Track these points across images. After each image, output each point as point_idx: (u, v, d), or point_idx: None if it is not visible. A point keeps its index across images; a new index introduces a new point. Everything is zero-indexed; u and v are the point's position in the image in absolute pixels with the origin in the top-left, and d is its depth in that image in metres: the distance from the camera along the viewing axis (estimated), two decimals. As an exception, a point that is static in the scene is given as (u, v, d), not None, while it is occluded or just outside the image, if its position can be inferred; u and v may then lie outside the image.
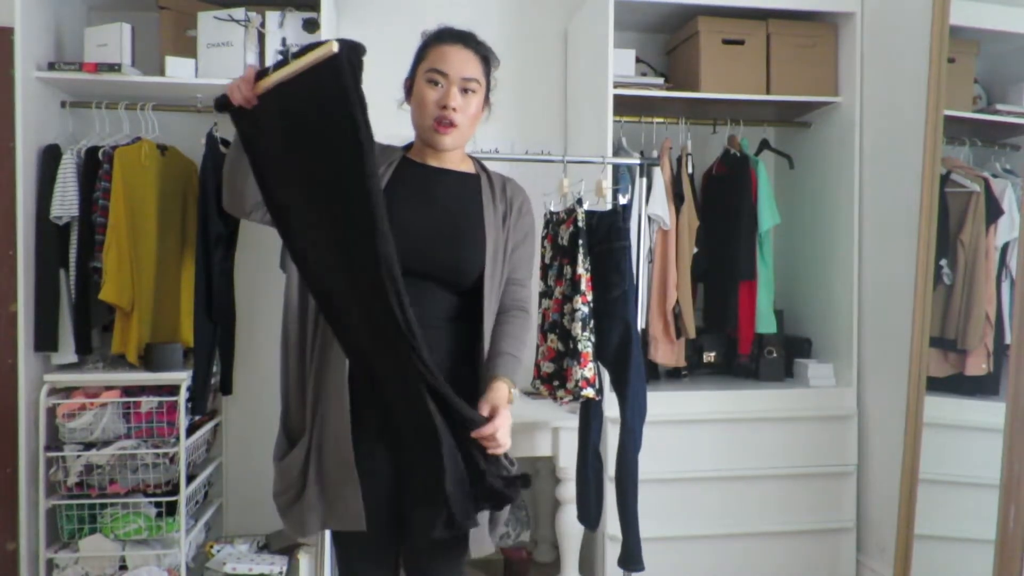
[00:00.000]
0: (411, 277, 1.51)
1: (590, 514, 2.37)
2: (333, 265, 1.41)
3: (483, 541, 1.59)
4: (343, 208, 1.34)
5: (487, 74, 1.62)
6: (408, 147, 1.67)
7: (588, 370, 2.19)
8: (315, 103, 1.31)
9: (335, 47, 1.24)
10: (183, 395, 2.47)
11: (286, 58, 1.32)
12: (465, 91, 1.57)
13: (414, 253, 1.52)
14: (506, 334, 1.63)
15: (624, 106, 2.82)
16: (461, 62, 1.56)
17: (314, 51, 1.26)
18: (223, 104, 1.42)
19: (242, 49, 2.62)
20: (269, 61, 2.67)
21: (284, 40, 1.37)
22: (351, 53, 1.26)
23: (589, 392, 2.19)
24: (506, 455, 1.59)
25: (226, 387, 2.83)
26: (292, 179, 1.40)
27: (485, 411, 1.47)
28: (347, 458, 1.51)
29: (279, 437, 1.60)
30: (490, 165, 1.74)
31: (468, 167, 1.68)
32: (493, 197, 1.64)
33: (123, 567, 2.52)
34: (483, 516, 1.57)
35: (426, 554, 1.59)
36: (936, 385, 2.47)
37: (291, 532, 1.60)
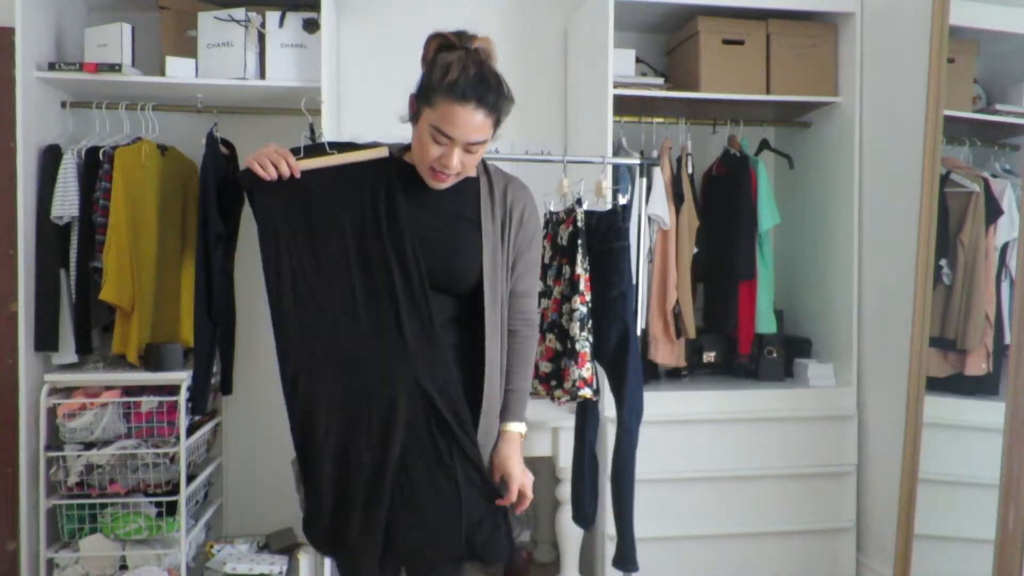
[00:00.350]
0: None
1: (585, 514, 2.37)
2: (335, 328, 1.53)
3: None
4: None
5: (497, 123, 1.53)
6: (405, 148, 1.64)
7: (586, 370, 2.19)
8: (348, 190, 1.51)
9: (386, 151, 1.49)
10: (183, 395, 2.47)
11: (316, 143, 1.52)
12: (469, 150, 1.50)
13: (409, 259, 1.52)
14: (513, 363, 1.65)
15: (624, 106, 2.82)
16: (470, 128, 1.46)
17: (368, 151, 1.51)
18: (247, 177, 1.53)
19: (242, 49, 2.63)
20: (269, 60, 2.67)
21: (312, 127, 1.50)
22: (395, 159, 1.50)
23: (586, 392, 2.18)
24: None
25: (226, 387, 2.83)
26: (305, 252, 1.53)
27: (515, 489, 1.61)
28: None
29: None
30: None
31: None
32: (492, 201, 1.61)
33: (123, 567, 2.52)
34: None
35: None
36: (936, 385, 2.47)
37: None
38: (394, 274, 1.51)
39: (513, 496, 1.60)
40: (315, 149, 1.53)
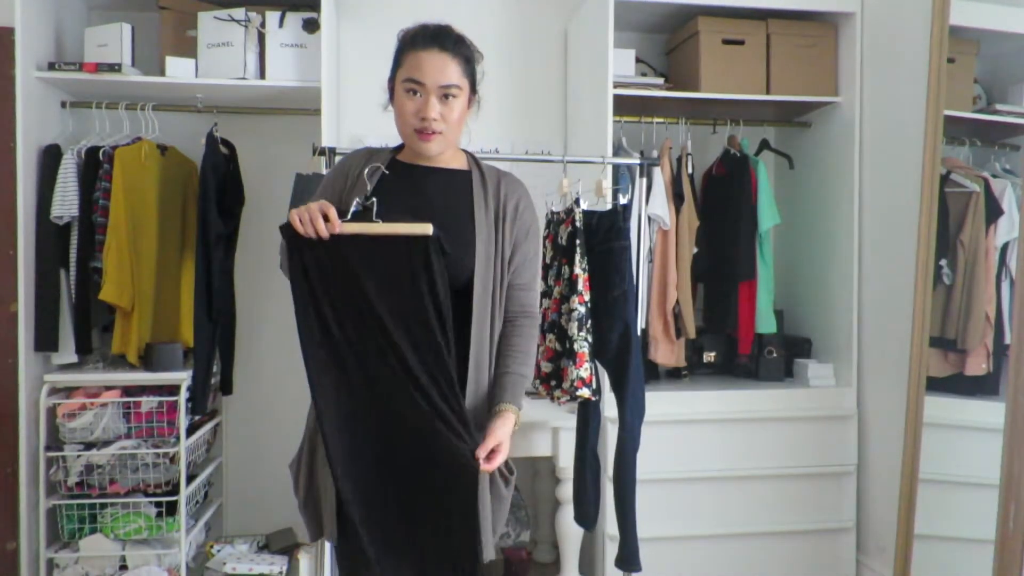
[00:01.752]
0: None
1: (588, 515, 2.37)
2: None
3: (488, 546, 1.58)
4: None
5: (469, 73, 1.58)
6: (399, 148, 1.66)
7: (584, 370, 2.18)
8: (392, 264, 1.48)
9: (430, 230, 1.46)
10: (183, 395, 2.47)
11: (365, 210, 1.49)
12: (445, 97, 1.53)
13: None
14: (513, 348, 1.62)
15: (624, 106, 2.82)
16: (438, 69, 1.52)
17: (412, 225, 1.47)
18: (289, 232, 1.50)
19: (242, 49, 2.63)
20: (270, 60, 2.67)
21: (368, 196, 1.51)
22: (441, 241, 1.48)
23: (585, 392, 2.18)
24: (506, 462, 1.63)
25: (226, 387, 2.83)
26: (340, 312, 1.50)
27: (491, 444, 1.52)
28: (324, 471, 1.55)
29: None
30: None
31: (460, 163, 1.66)
32: (485, 194, 1.62)
33: (123, 567, 2.52)
34: (487, 523, 1.57)
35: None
36: (936, 385, 2.47)
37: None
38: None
39: (487, 447, 1.52)
40: (362, 215, 1.51)
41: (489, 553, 1.58)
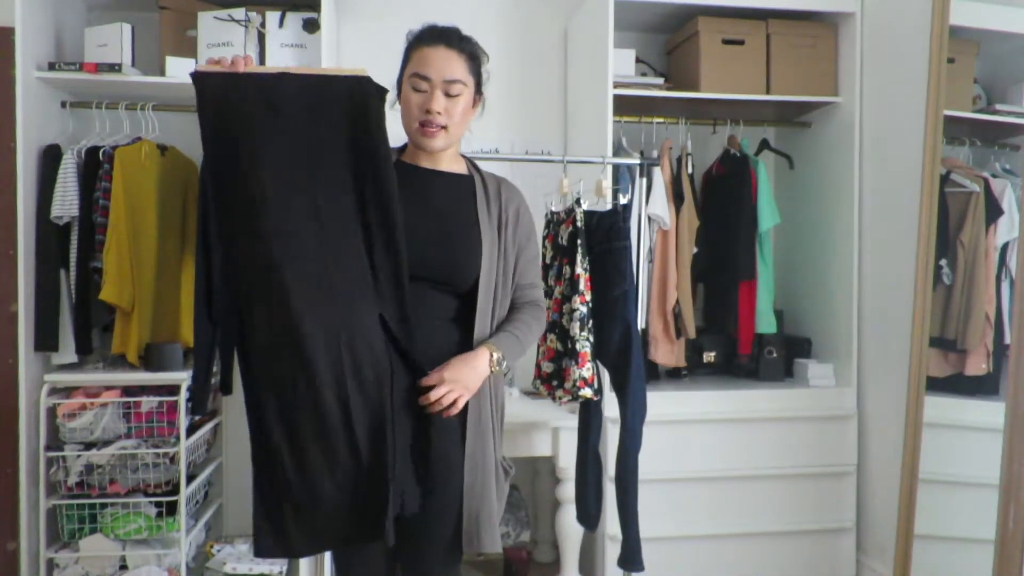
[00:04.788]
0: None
1: (589, 515, 2.37)
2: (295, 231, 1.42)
3: (487, 537, 1.57)
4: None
5: (474, 71, 1.61)
6: (402, 149, 1.67)
7: (586, 370, 2.19)
8: (323, 110, 1.41)
9: (366, 71, 1.41)
10: (183, 395, 2.47)
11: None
12: (449, 93, 1.56)
13: (408, 256, 1.53)
14: (514, 319, 1.64)
15: (624, 106, 2.82)
16: (443, 64, 1.55)
17: (344, 69, 1.43)
18: (199, 74, 1.41)
19: (242, 49, 2.62)
20: (270, 60, 2.67)
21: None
22: (379, 86, 1.43)
23: (587, 392, 2.18)
24: (504, 456, 1.63)
25: (226, 387, 2.82)
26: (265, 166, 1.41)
27: (434, 379, 1.48)
28: None
29: None
30: (491, 165, 1.75)
31: (460, 168, 1.68)
32: (487, 199, 1.64)
33: (123, 567, 2.52)
34: (487, 513, 1.56)
35: (423, 555, 1.59)
36: (936, 385, 2.47)
37: None
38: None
39: (432, 378, 1.49)
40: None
41: (496, 547, 1.58)
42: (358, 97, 1.42)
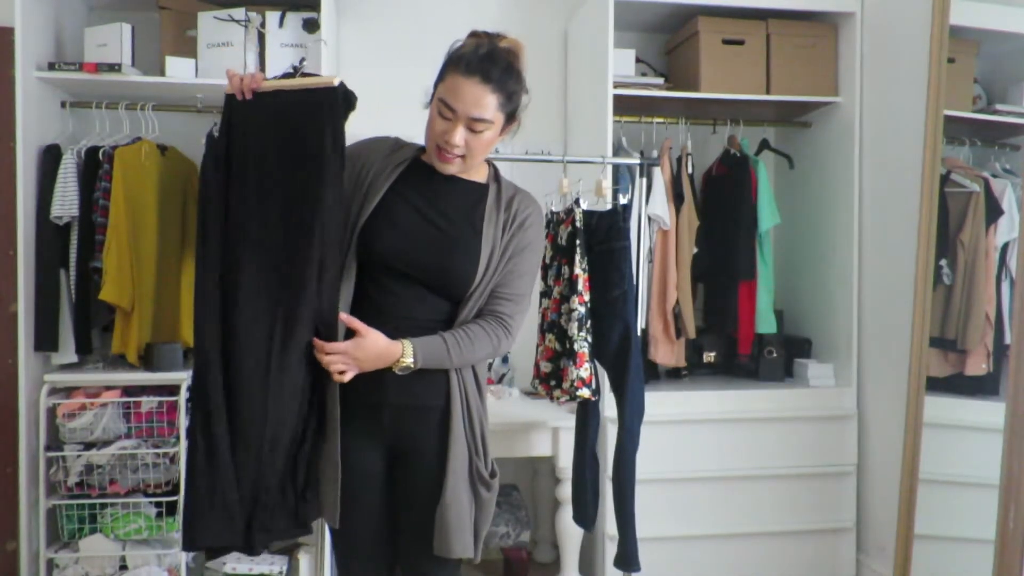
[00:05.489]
0: (400, 278, 1.54)
1: (587, 515, 2.37)
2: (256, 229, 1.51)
3: (456, 544, 1.55)
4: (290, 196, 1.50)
5: (508, 107, 1.53)
6: (423, 148, 1.64)
7: (584, 370, 2.18)
8: (300, 118, 1.48)
9: (336, 81, 1.45)
10: (183, 395, 2.47)
11: (295, 74, 1.52)
12: (473, 130, 1.50)
13: (403, 254, 1.53)
14: (466, 329, 1.55)
15: (624, 106, 2.82)
16: (473, 101, 1.48)
17: (319, 78, 1.49)
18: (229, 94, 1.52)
19: (242, 49, 2.62)
20: (270, 60, 2.67)
21: (302, 60, 1.51)
22: (347, 93, 1.48)
23: (585, 392, 2.18)
24: (486, 463, 1.61)
25: (226, 387, 2.82)
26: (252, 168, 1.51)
27: (340, 346, 1.48)
28: (333, 456, 1.54)
29: None
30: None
31: (480, 176, 1.64)
32: (497, 208, 1.60)
33: (123, 567, 2.52)
34: (456, 519, 1.54)
35: (422, 555, 1.59)
36: (936, 385, 2.47)
37: None
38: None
39: (336, 348, 1.47)
40: (286, 76, 1.58)
41: (468, 553, 1.56)
42: (326, 108, 1.48)
